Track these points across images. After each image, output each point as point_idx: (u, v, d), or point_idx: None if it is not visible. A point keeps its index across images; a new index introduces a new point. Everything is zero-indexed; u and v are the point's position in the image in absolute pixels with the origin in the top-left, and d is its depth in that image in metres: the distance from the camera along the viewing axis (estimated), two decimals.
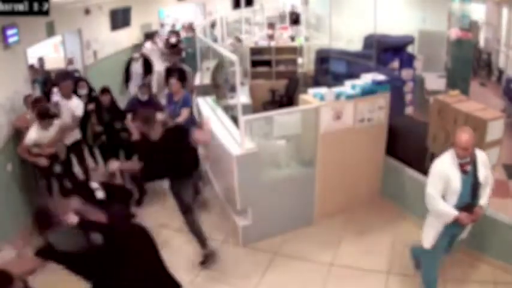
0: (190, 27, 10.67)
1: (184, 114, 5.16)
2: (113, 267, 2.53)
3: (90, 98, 5.75)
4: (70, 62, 7.71)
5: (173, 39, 9.56)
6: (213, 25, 10.26)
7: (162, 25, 12.02)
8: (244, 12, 9.79)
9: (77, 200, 2.73)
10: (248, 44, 8.39)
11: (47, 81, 6.51)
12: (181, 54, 8.92)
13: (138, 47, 7.59)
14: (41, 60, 7.51)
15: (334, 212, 4.81)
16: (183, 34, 10.32)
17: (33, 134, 4.39)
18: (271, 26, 9.19)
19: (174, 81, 5.29)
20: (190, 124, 5.17)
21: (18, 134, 4.75)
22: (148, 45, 9.32)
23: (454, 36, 6.66)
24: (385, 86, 4.67)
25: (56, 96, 5.38)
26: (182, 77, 6.36)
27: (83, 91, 5.83)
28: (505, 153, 4.34)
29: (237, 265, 4.22)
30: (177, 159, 3.87)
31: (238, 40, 8.65)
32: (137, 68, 7.52)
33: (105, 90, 5.31)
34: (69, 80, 5.71)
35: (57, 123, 4.64)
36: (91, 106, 5.32)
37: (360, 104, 4.57)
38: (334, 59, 6.56)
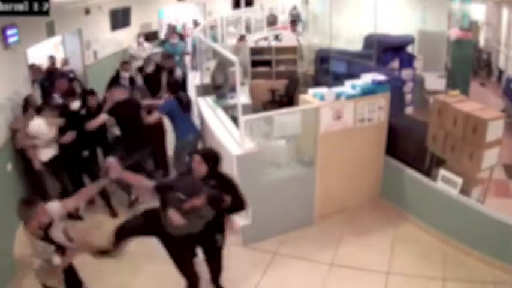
0: (174, 31, 10.13)
1: (152, 117, 5.13)
2: None
3: (83, 98, 5.78)
4: (65, 62, 7.75)
5: (150, 68, 7.29)
6: (212, 27, 10.25)
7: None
8: (244, 12, 9.79)
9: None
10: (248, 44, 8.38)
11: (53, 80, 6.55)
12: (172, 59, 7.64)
13: (127, 63, 6.90)
14: (52, 58, 7.55)
15: (334, 212, 4.81)
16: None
17: (37, 125, 4.49)
18: (293, 23, 9.06)
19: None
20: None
21: (15, 136, 4.75)
22: (135, 45, 9.32)
23: (454, 36, 6.66)
24: (385, 86, 4.67)
25: (56, 98, 5.48)
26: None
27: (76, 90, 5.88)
28: (505, 153, 4.34)
29: (237, 265, 4.21)
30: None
31: (242, 39, 8.58)
32: (126, 83, 6.73)
33: (91, 93, 5.34)
34: (64, 78, 6.00)
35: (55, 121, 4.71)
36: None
37: (360, 104, 4.57)
38: (334, 59, 6.56)
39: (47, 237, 2.97)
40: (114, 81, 6.70)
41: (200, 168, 3.25)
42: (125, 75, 6.70)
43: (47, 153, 4.62)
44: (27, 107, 4.81)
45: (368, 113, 4.64)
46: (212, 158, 3.31)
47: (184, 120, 5.26)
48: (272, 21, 11.46)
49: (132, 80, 6.75)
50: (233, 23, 10.32)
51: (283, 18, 12.29)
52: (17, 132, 4.57)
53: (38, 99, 5.47)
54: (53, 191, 4.88)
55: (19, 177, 4.65)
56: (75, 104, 5.18)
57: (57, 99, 5.43)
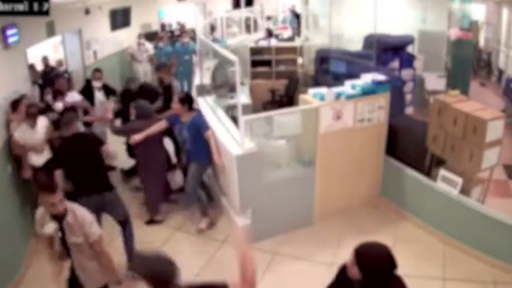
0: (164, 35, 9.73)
1: (212, 140, 4.54)
2: None
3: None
4: (59, 63, 7.79)
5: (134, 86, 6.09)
6: (212, 28, 10.26)
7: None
8: (244, 12, 9.79)
9: None
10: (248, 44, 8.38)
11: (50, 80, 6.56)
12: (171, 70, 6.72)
13: (99, 71, 6.36)
14: (45, 59, 7.56)
15: (334, 212, 4.81)
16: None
17: (20, 132, 4.42)
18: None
19: (174, 105, 4.68)
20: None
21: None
22: (134, 45, 9.30)
23: (454, 36, 6.65)
24: (385, 86, 4.67)
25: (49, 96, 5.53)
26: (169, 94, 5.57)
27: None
28: (505, 153, 4.34)
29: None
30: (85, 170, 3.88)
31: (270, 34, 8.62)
32: (100, 96, 6.28)
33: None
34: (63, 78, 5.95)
35: (43, 123, 4.66)
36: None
37: (360, 104, 4.57)
38: (334, 59, 6.56)
39: None
40: (87, 92, 6.08)
41: (352, 270, 2.29)
42: (97, 84, 6.18)
43: (39, 159, 4.57)
44: (16, 108, 4.62)
45: (368, 113, 4.64)
46: (368, 259, 2.24)
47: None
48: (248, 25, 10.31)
49: (107, 89, 6.31)
50: (235, 22, 10.29)
51: (263, 22, 11.30)
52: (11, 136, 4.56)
53: (36, 99, 5.49)
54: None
55: (19, 178, 4.64)
56: (59, 106, 5.12)
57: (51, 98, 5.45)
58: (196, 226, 4.79)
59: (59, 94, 5.37)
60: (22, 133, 4.45)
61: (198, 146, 4.61)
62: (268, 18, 11.86)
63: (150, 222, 4.93)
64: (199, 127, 4.58)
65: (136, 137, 4.51)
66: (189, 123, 4.60)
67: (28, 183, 4.68)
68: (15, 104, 4.61)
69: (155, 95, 5.71)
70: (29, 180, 4.58)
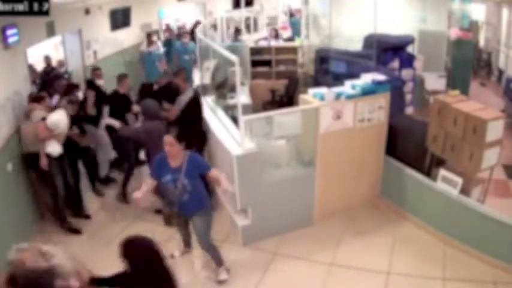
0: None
1: (224, 180, 3.50)
2: None
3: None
4: (60, 64, 7.77)
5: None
6: (214, 26, 10.25)
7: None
8: (244, 12, 9.80)
9: None
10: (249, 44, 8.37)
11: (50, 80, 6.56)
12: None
13: (98, 69, 6.31)
14: (47, 58, 7.57)
15: (334, 212, 4.81)
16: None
17: (59, 116, 4.53)
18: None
19: (169, 140, 3.42)
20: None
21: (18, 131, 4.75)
22: (144, 45, 9.27)
23: (454, 36, 6.65)
24: (385, 86, 4.67)
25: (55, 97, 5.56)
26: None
27: None
28: (505, 153, 4.34)
29: (237, 265, 4.21)
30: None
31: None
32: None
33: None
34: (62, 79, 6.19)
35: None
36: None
37: (360, 104, 4.57)
38: (334, 59, 6.56)
39: None
40: (96, 93, 5.80)
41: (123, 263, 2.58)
42: (101, 82, 6.06)
43: (57, 148, 4.63)
44: (40, 101, 4.91)
45: (368, 113, 4.64)
46: (132, 253, 2.52)
47: None
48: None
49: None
50: (236, 22, 10.27)
51: (263, 21, 11.12)
52: (26, 130, 4.59)
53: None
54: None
55: (19, 177, 4.65)
56: (80, 94, 5.63)
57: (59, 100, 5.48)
58: (216, 278, 3.98)
59: (72, 88, 5.54)
60: (61, 117, 4.55)
61: (199, 192, 3.66)
62: (292, 15, 11.98)
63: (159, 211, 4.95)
64: (201, 167, 3.59)
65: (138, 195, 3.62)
66: (186, 167, 3.50)
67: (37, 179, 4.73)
68: (38, 97, 4.97)
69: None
70: (45, 171, 4.59)
